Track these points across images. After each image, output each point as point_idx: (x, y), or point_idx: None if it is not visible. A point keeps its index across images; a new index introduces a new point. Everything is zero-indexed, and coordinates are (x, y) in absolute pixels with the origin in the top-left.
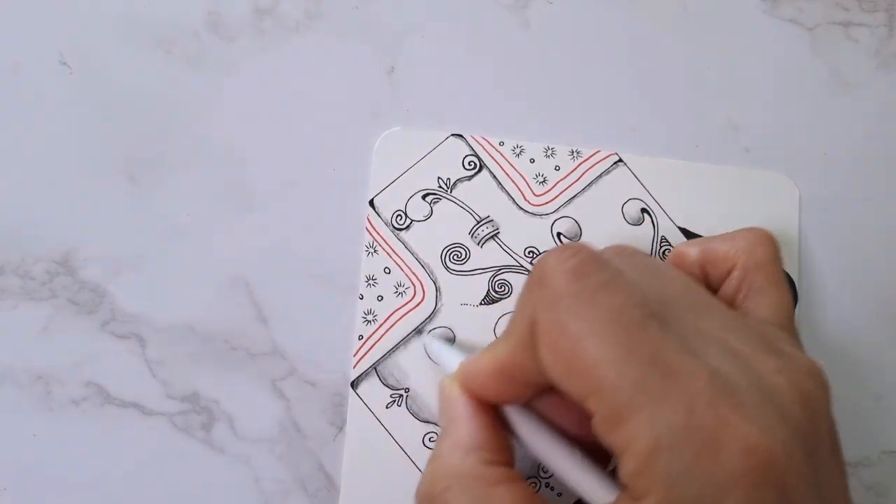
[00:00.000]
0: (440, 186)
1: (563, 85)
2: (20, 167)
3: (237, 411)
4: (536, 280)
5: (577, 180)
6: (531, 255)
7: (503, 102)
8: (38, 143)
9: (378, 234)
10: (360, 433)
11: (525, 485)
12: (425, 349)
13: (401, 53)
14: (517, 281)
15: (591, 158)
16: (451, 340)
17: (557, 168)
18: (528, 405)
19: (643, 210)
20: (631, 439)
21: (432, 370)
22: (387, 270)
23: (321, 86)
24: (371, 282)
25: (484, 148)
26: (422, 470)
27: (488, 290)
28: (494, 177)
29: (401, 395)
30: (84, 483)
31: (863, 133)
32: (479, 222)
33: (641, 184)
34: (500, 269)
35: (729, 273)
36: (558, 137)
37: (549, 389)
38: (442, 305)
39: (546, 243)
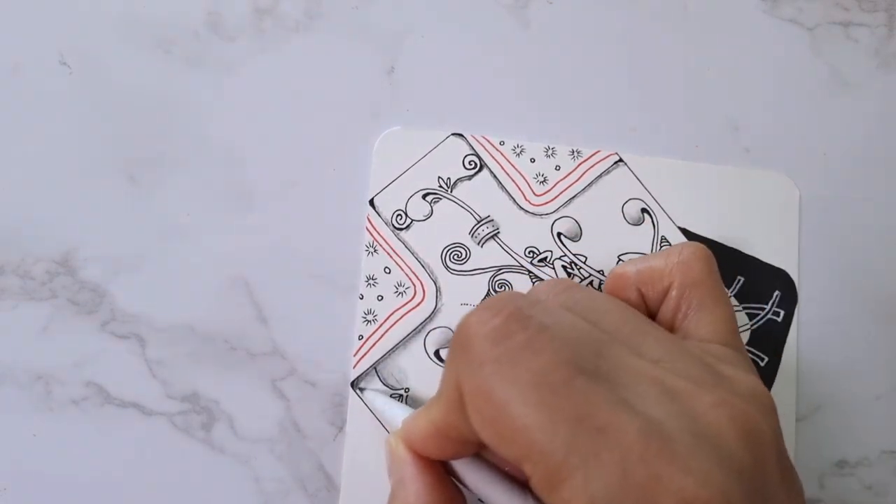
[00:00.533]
0: (440, 186)
1: (563, 85)
2: (20, 167)
3: (237, 411)
4: (459, 345)
5: (577, 180)
6: (531, 255)
7: (503, 102)
8: (38, 143)
9: (378, 233)
10: (360, 433)
11: None
12: (367, 405)
13: (401, 53)
14: (517, 281)
15: (592, 158)
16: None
17: (558, 168)
18: (476, 454)
19: (643, 210)
20: (567, 502)
21: (433, 370)
22: (387, 270)
23: (321, 86)
24: (371, 281)
25: (484, 147)
26: None
27: (488, 290)
28: (495, 176)
29: (401, 395)
30: (84, 483)
31: (863, 133)
32: (479, 222)
33: (641, 184)
34: (500, 269)
35: (666, 293)
36: (558, 137)
37: None
38: (442, 305)
39: (546, 243)
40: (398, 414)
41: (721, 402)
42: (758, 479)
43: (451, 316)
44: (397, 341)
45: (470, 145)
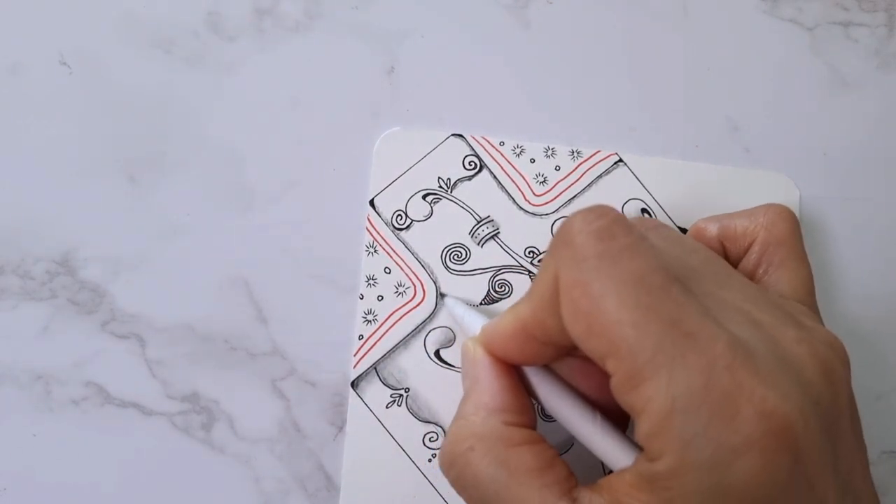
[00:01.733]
0: (440, 186)
1: (563, 85)
2: (20, 167)
3: (237, 411)
4: (561, 240)
5: (577, 180)
6: (531, 255)
7: (503, 102)
8: (38, 143)
9: (378, 233)
10: (360, 433)
11: (546, 446)
12: (449, 311)
13: (401, 53)
14: (517, 281)
15: (592, 158)
16: (452, 340)
17: (558, 168)
18: (549, 368)
19: (643, 210)
20: (647, 401)
21: (433, 370)
22: (387, 270)
23: (321, 86)
24: (371, 282)
25: (484, 148)
26: (422, 470)
27: (488, 290)
28: (495, 177)
29: (401, 395)
30: (84, 483)
31: (863, 133)
32: (479, 222)
33: (641, 184)
34: (500, 269)
35: (748, 248)
36: (558, 137)
37: (569, 353)
38: (442, 305)
39: (546, 243)
40: (477, 321)
41: (803, 339)
42: (832, 414)
43: (451, 316)
44: (397, 341)
45: (470, 146)
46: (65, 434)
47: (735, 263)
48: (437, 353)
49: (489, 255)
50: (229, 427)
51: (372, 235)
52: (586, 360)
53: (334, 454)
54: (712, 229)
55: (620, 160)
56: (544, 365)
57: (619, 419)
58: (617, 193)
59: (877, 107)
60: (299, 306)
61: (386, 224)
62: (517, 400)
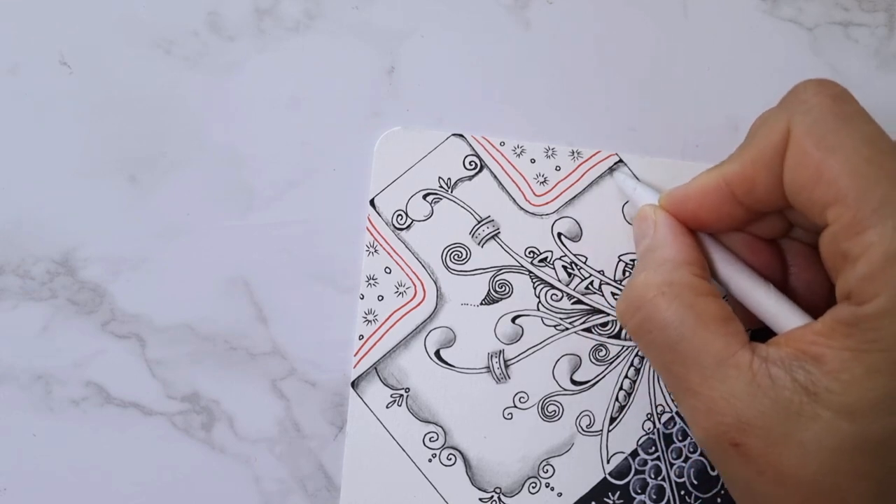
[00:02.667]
0: (441, 186)
1: (563, 85)
2: (20, 167)
3: (237, 411)
4: (796, 99)
5: (577, 180)
6: (532, 255)
7: (503, 102)
8: (38, 144)
9: (379, 233)
10: (360, 433)
11: (724, 303)
12: (618, 185)
13: (401, 53)
14: (518, 281)
15: (592, 159)
16: (452, 340)
17: (558, 168)
18: (720, 238)
19: None
20: (869, 245)
21: (433, 370)
22: (387, 270)
23: (321, 86)
24: (372, 281)
25: (485, 148)
26: (422, 470)
27: (489, 290)
28: (495, 177)
29: (401, 395)
30: (84, 483)
31: None
32: (479, 222)
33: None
34: (500, 269)
35: None
36: (559, 137)
37: (745, 227)
38: (443, 305)
39: (546, 243)
40: (649, 194)
41: None
42: None
43: (451, 316)
44: (398, 341)
45: (470, 146)
46: (65, 434)
47: None
48: (437, 353)
49: (489, 255)
50: (229, 427)
51: (372, 235)
52: (755, 238)
53: (334, 454)
54: None
55: (620, 160)
56: (714, 236)
57: None
58: (617, 194)
59: (877, 107)
60: (299, 306)
61: (386, 224)
62: (700, 258)
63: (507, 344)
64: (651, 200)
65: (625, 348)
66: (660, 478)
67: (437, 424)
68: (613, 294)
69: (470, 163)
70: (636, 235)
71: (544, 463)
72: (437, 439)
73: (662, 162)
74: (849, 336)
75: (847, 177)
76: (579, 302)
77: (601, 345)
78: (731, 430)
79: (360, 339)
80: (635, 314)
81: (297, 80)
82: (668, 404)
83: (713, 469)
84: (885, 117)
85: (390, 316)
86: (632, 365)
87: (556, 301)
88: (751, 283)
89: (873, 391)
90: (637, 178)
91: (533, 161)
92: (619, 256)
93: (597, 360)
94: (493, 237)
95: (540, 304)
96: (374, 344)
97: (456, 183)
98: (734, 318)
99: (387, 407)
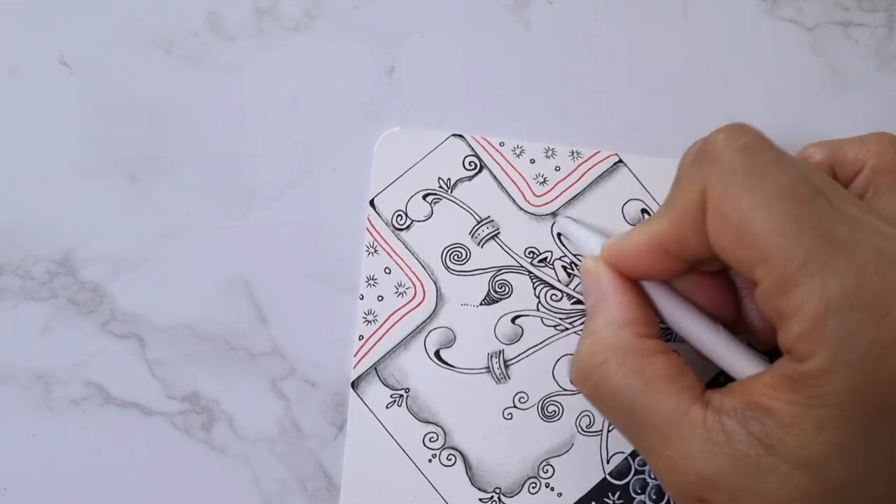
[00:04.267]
0: (441, 187)
1: (563, 85)
2: (20, 167)
3: (237, 411)
4: (707, 156)
5: (577, 181)
6: (531, 255)
7: (503, 102)
8: (38, 143)
9: (378, 234)
10: (360, 433)
11: (676, 356)
12: (559, 232)
13: (401, 53)
14: (517, 281)
15: (592, 159)
16: (452, 341)
17: (558, 168)
18: (669, 283)
19: (643, 210)
20: (800, 304)
21: (433, 370)
22: (387, 270)
23: (321, 86)
24: (371, 282)
25: (484, 148)
26: (422, 470)
27: (489, 290)
28: (495, 177)
29: (401, 396)
30: (84, 483)
31: (863, 133)
32: (479, 222)
33: (641, 184)
34: (500, 270)
35: (857, 174)
36: (558, 138)
37: (691, 270)
38: (442, 306)
39: (546, 244)
40: (593, 239)
41: None
42: None
43: (451, 316)
44: (398, 341)
45: (470, 146)
46: (65, 434)
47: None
48: (437, 354)
49: (489, 256)
50: (229, 427)
51: (372, 235)
52: (703, 275)
53: (334, 454)
54: (821, 154)
55: (620, 161)
56: (663, 281)
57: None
58: (617, 194)
59: (877, 107)
60: (299, 306)
61: (386, 224)
62: (645, 313)
63: (507, 344)
64: (595, 245)
65: None
66: None
67: (437, 425)
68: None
69: (470, 163)
70: (583, 289)
71: (544, 463)
72: (437, 439)
73: (662, 162)
74: (795, 391)
75: (768, 236)
76: (579, 302)
77: None
78: (694, 487)
79: (359, 340)
80: (586, 383)
81: (297, 80)
82: None
83: None
84: (885, 117)
85: (390, 316)
86: None
87: (556, 301)
88: (700, 328)
89: (824, 444)
90: (578, 223)
91: (533, 161)
92: None
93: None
94: (492, 237)
95: (540, 305)
96: (374, 344)
97: (456, 183)
98: (685, 372)
99: (387, 407)
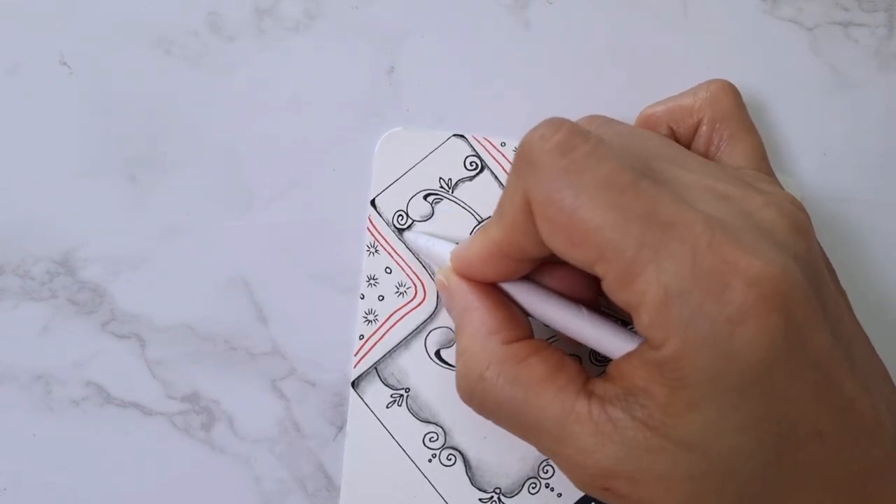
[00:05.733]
0: (442, 187)
1: (563, 85)
2: (20, 167)
3: (237, 411)
4: (524, 162)
5: None
6: None
7: (504, 103)
8: (38, 144)
9: (379, 234)
10: (360, 433)
11: (552, 350)
12: (408, 245)
13: (401, 53)
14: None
15: None
16: (453, 341)
17: (481, 227)
18: (526, 277)
19: None
20: (642, 294)
21: (434, 370)
22: (388, 270)
23: (321, 86)
24: (372, 281)
25: (485, 148)
26: (422, 470)
27: None
28: (496, 177)
29: (401, 395)
30: (84, 483)
31: (863, 133)
32: (480, 223)
33: None
34: None
35: (696, 128)
36: None
37: (545, 262)
38: (443, 306)
39: None
40: (443, 249)
41: (769, 203)
42: (811, 266)
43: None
44: (398, 341)
45: (471, 146)
46: (65, 434)
47: (686, 145)
48: (437, 354)
49: None
50: (229, 427)
51: (373, 235)
52: (557, 264)
53: (334, 454)
54: (659, 113)
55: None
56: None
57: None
58: None
59: (877, 107)
60: (299, 306)
61: (387, 224)
62: (508, 315)
63: None
64: (447, 255)
65: None
66: None
67: (437, 424)
68: None
69: (471, 163)
70: (445, 306)
71: (544, 463)
72: (437, 439)
73: None
74: (662, 374)
75: (597, 232)
76: None
77: None
78: (596, 479)
79: (360, 339)
80: (471, 401)
81: (297, 80)
82: None
83: None
84: (885, 117)
85: (391, 316)
86: None
87: None
88: (562, 315)
89: (695, 422)
90: (427, 236)
91: None
92: None
93: (597, 360)
94: None
95: None
96: (375, 344)
97: (457, 183)
98: (564, 366)
99: (387, 407)
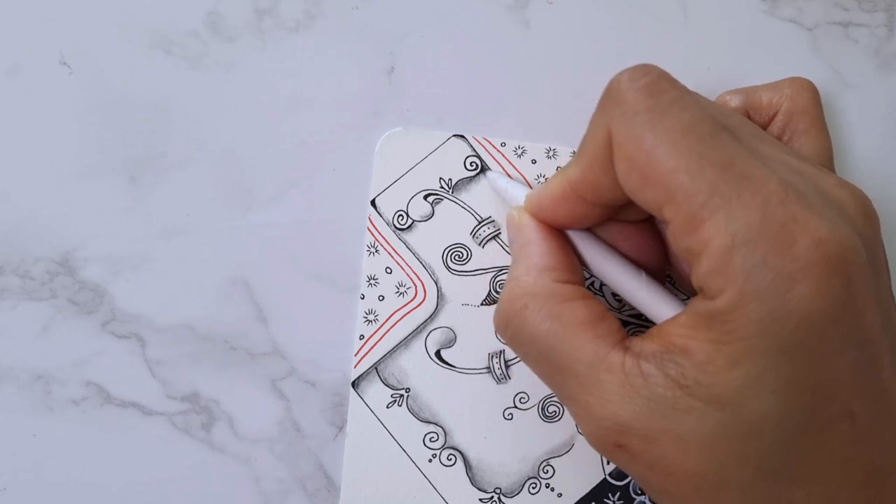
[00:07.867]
0: (442, 187)
1: (563, 85)
2: (20, 167)
3: (237, 411)
4: (611, 99)
5: None
6: None
7: (504, 103)
8: (38, 143)
9: (380, 234)
10: (360, 433)
11: (597, 301)
12: (491, 184)
13: (401, 53)
14: None
15: None
16: (453, 341)
17: (559, 169)
18: (592, 231)
19: None
20: (707, 240)
21: (434, 370)
22: (388, 270)
23: (321, 86)
24: (372, 281)
25: (485, 149)
26: (422, 470)
27: (489, 290)
28: None
29: (401, 395)
30: (84, 483)
31: (863, 133)
32: (480, 223)
33: None
34: (501, 270)
35: (772, 119)
36: (560, 138)
37: (612, 217)
38: (443, 306)
39: None
40: (520, 192)
41: (842, 184)
42: (873, 248)
43: (452, 316)
44: (398, 341)
45: (471, 146)
46: (65, 434)
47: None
48: (437, 354)
49: (490, 256)
50: (229, 427)
51: (373, 235)
52: (627, 224)
53: (334, 454)
54: (737, 100)
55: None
56: (587, 229)
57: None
58: None
59: (877, 107)
60: (299, 306)
61: (387, 224)
62: (565, 259)
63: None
64: (521, 196)
65: None
66: None
67: (437, 424)
68: (614, 295)
69: (471, 163)
70: (508, 238)
71: (544, 463)
72: (437, 439)
73: None
74: (709, 328)
75: (672, 175)
76: None
77: None
78: (611, 433)
79: (360, 339)
80: (506, 328)
81: (297, 80)
82: None
83: None
84: (885, 117)
85: (391, 316)
86: None
87: None
88: (621, 274)
89: (735, 380)
90: (509, 177)
91: (534, 162)
92: None
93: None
94: (494, 237)
95: None
96: (375, 344)
97: (457, 183)
98: (606, 318)
99: (387, 407)
